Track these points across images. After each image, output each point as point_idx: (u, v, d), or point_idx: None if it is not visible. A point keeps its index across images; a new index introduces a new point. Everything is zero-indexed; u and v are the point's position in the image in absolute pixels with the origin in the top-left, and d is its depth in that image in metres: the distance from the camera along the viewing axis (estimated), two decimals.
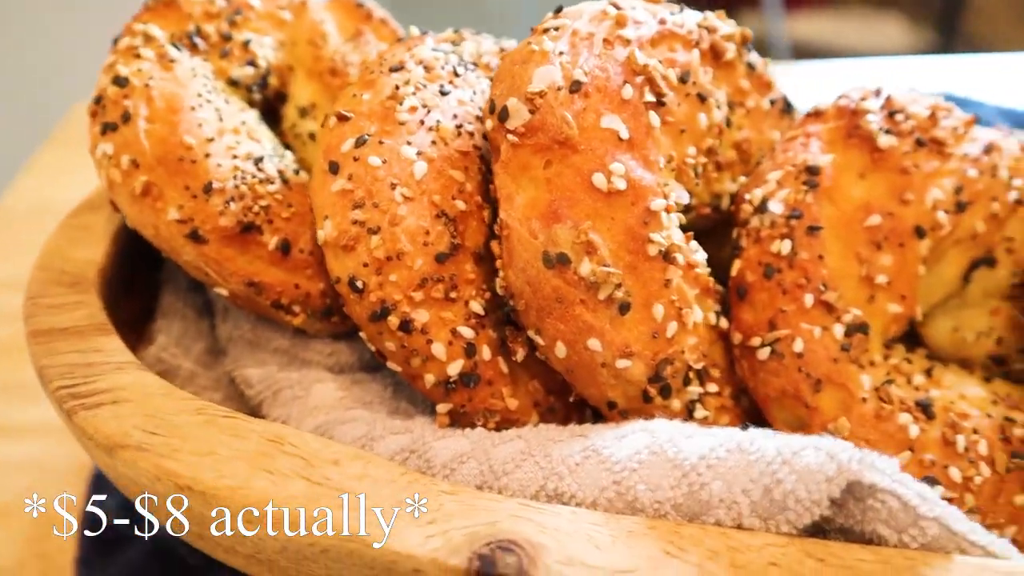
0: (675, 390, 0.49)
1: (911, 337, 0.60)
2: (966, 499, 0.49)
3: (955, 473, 0.49)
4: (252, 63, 0.59)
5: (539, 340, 0.48)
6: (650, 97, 0.50)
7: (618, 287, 0.46)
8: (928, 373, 0.54)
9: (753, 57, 0.60)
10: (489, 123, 0.49)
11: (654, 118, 0.50)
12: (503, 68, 0.50)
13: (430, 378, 0.50)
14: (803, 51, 3.03)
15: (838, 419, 0.49)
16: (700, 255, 0.51)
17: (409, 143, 0.50)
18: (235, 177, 0.52)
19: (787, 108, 0.62)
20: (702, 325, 0.51)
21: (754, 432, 0.43)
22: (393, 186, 0.48)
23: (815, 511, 0.40)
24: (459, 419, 0.51)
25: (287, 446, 0.43)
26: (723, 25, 0.57)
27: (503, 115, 0.47)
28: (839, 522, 0.42)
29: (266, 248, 0.53)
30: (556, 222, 0.46)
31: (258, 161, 0.54)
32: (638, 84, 0.49)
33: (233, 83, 0.58)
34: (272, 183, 0.53)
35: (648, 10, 0.54)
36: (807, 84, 1.29)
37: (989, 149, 0.58)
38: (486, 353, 0.50)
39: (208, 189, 0.51)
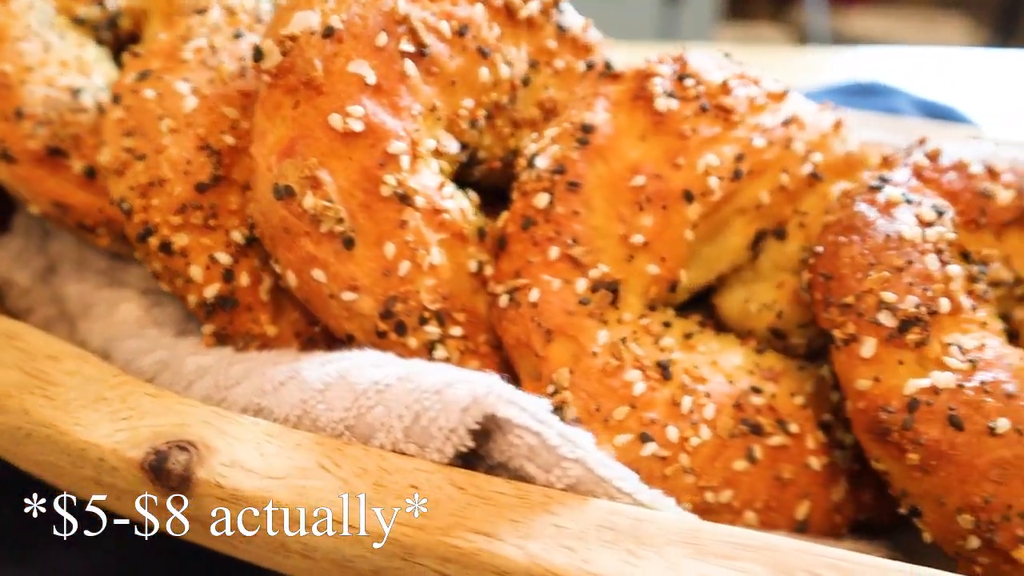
0: (411, 328, 0.51)
1: (707, 305, 0.61)
2: (681, 458, 0.49)
3: (672, 432, 0.49)
4: (100, 3, 0.64)
5: (277, 268, 0.51)
6: (408, 47, 0.51)
7: (339, 222, 0.49)
8: (688, 337, 0.55)
9: (567, 20, 0.61)
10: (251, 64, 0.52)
11: (410, 67, 0.51)
12: (275, 13, 0.52)
13: (192, 299, 0.53)
14: (853, 42, 2.93)
15: (560, 369, 0.50)
16: (454, 202, 0.53)
17: (185, 80, 0.53)
18: (46, 104, 0.57)
19: (608, 72, 0.63)
20: (448, 269, 0.52)
21: (432, 366, 0.45)
22: (161, 118, 0.52)
23: (454, 440, 0.42)
24: (224, 341, 0.54)
25: (18, 341, 0.48)
26: None
27: (257, 56, 0.50)
28: (496, 458, 0.43)
29: (73, 172, 0.57)
30: (289, 157, 0.49)
31: (76, 92, 0.58)
32: (397, 33, 0.51)
33: (80, 21, 0.63)
34: (85, 112, 0.58)
35: None
36: (845, 71, 1.29)
37: (789, 122, 0.57)
38: (244, 280, 0.53)
39: (19, 114, 0.56)
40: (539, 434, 0.41)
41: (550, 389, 0.50)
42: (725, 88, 0.56)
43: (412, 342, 0.52)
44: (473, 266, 0.54)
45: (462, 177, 0.59)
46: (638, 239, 0.53)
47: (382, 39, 0.51)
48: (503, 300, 0.52)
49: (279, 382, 0.48)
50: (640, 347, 0.52)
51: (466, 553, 0.39)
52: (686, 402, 0.50)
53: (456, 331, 0.53)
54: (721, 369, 0.53)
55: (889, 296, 0.47)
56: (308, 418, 0.46)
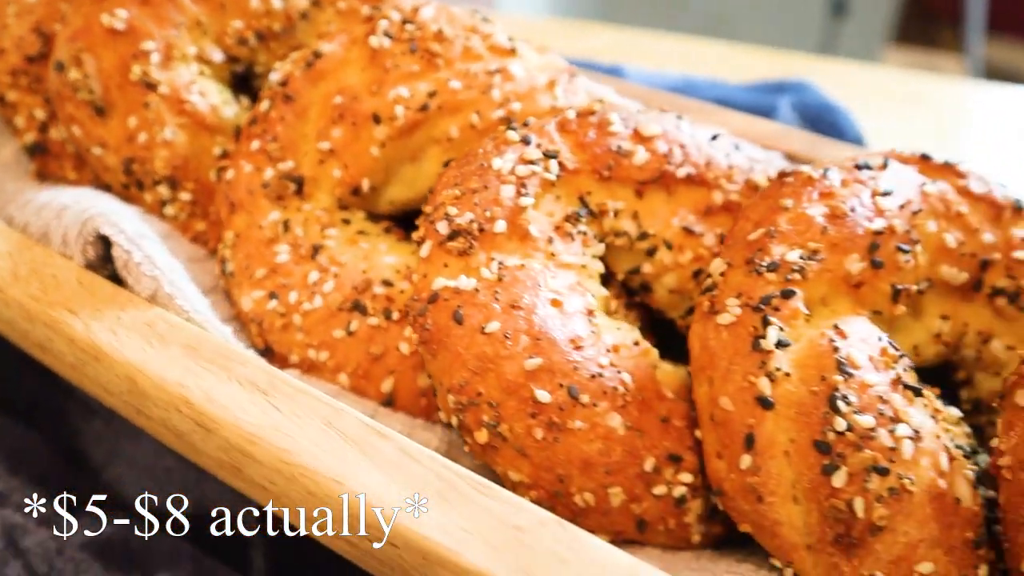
0: (147, 187, 0.67)
1: None
2: (295, 318, 0.61)
3: (293, 296, 0.61)
4: None
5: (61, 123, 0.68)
6: None
7: (91, 92, 0.65)
8: (360, 234, 0.65)
9: None
10: None
11: None
12: None
13: (17, 142, 0.72)
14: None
15: (229, 232, 0.63)
16: (203, 98, 0.67)
17: None
18: None
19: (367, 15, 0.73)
20: (184, 146, 0.67)
21: (99, 198, 0.61)
22: (9, 4, 0.71)
23: (79, 249, 0.57)
24: (45, 179, 0.73)
25: None
26: None
27: None
28: (118, 270, 0.58)
29: None
30: (69, 42, 0.66)
31: None
32: None
33: None
34: None
35: None
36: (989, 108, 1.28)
37: (495, 72, 0.66)
38: (55, 134, 0.71)
39: None
40: (128, 252, 0.55)
41: (221, 247, 0.64)
42: (439, 36, 0.66)
43: (148, 197, 0.67)
44: (218, 151, 0.68)
45: (245, 85, 0.73)
46: (325, 145, 0.65)
47: None
48: (212, 175, 0.66)
49: (26, 201, 0.65)
50: (303, 230, 0.64)
51: (56, 321, 0.55)
52: (313, 276, 0.62)
53: (185, 196, 0.68)
54: (369, 262, 0.63)
55: (452, 210, 0.55)
56: (31, 226, 0.62)
